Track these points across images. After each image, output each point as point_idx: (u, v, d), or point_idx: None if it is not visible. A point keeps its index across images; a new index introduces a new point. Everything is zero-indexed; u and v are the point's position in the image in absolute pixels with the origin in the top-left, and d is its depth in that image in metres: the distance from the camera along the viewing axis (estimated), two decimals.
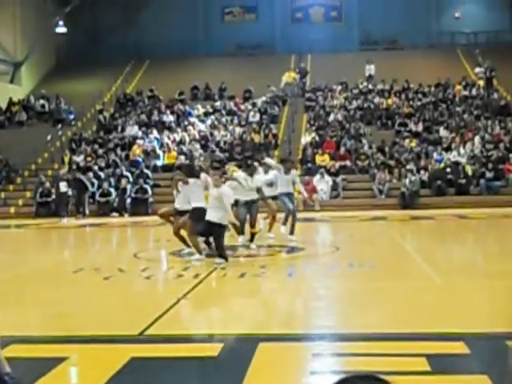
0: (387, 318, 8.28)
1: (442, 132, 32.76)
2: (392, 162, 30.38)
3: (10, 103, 40.21)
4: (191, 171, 14.19)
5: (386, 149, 31.57)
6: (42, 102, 39.94)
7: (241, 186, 15.09)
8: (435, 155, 30.45)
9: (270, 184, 16.80)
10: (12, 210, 28.62)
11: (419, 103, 36.13)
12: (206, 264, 13.24)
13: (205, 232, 13.02)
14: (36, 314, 9.31)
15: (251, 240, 15.55)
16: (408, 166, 29.34)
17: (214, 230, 12.71)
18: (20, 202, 30.42)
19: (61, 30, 44.61)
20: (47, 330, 8.25)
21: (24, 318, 9.02)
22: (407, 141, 32.11)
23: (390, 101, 36.54)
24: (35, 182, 30.29)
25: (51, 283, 11.78)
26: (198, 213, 13.17)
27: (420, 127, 33.56)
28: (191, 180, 13.63)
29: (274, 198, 16.93)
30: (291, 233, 16.45)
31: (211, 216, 12.71)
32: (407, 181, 28.34)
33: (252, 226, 15.69)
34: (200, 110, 37.38)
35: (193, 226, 13.15)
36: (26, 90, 43.12)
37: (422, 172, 29.15)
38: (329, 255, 14.61)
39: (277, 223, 16.84)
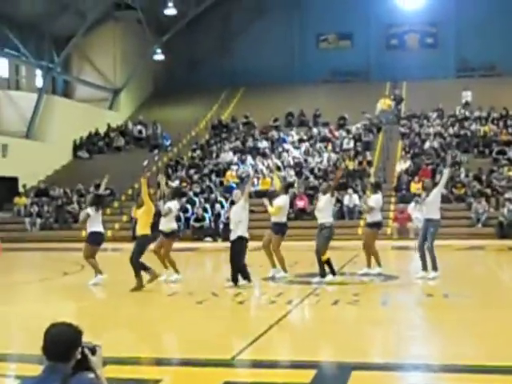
0: (484, 350, 8.06)
1: None
2: (488, 191, 29.71)
3: (109, 129, 41.27)
4: None
5: (483, 177, 30.90)
6: (139, 127, 40.84)
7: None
8: None
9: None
10: (109, 233, 29.14)
11: None
12: (299, 290, 13.24)
13: None
14: (130, 336, 9.46)
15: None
16: (506, 195, 28.58)
17: None
18: (117, 225, 31.05)
19: (159, 57, 45.67)
20: (141, 351, 8.35)
21: (119, 338, 9.17)
22: (505, 169, 31.38)
23: (487, 128, 35.81)
24: (132, 206, 30.77)
25: (146, 306, 11.95)
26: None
27: None
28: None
29: (373, 225, 15.64)
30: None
31: None
32: (505, 210, 27.61)
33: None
34: (294, 136, 37.47)
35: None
36: (124, 116, 44.17)
37: None
38: (423, 284, 14.36)
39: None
